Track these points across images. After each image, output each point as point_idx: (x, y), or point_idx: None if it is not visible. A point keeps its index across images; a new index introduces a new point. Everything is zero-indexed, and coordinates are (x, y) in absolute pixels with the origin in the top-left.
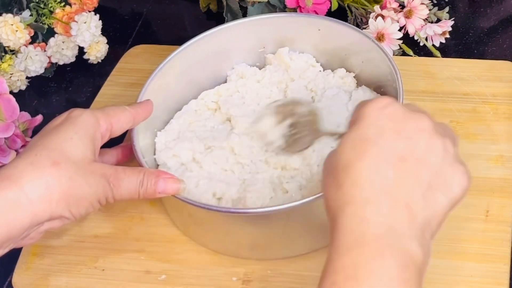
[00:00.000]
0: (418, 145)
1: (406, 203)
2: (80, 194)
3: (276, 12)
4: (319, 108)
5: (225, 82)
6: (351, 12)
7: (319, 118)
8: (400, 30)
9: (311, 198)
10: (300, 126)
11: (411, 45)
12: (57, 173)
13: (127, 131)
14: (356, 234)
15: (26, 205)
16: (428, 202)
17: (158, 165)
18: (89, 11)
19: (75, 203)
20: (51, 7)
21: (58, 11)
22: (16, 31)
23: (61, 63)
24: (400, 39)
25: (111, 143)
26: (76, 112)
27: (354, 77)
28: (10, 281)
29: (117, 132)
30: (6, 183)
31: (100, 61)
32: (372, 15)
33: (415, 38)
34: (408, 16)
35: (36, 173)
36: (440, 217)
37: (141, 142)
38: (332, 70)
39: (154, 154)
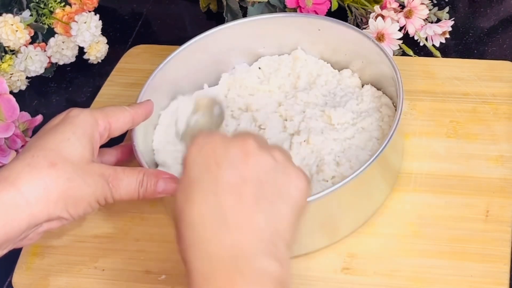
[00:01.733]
0: (245, 167)
1: (247, 225)
2: (78, 194)
3: (276, 12)
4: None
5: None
6: (351, 12)
7: (220, 126)
8: (400, 30)
9: (310, 198)
10: (200, 125)
11: (411, 45)
12: (55, 174)
13: (127, 131)
14: (204, 272)
15: (24, 206)
16: (270, 216)
17: (157, 165)
18: (89, 11)
19: (73, 204)
20: (51, 7)
21: (58, 11)
22: (16, 31)
23: (61, 63)
24: (400, 39)
25: (111, 143)
26: (74, 112)
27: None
28: (10, 281)
29: (116, 132)
30: (4, 184)
31: (100, 61)
32: (372, 15)
33: (415, 38)
34: (408, 16)
35: (33, 174)
36: (288, 224)
37: (141, 142)
38: (339, 70)
39: (154, 153)
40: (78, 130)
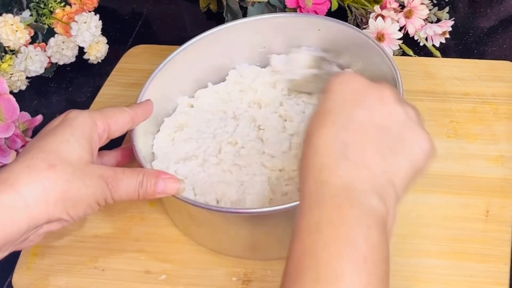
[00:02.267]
0: (379, 113)
1: (365, 164)
2: (78, 196)
3: (276, 12)
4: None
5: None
6: (351, 12)
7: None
8: (400, 30)
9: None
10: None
11: (411, 45)
12: (54, 176)
13: (127, 132)
14: (316, 196)
15: (23, 208)
16: (389, 164)
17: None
18: (89, 11)
19: (73, 205)
20: (51, 7)
21: (58, 11)
22: (16, 31)
23: (61, 63)
24: (400, 39)
25: (111, 145)
26: (73, 113)
27: None
28: (10, 281)
29: (116, 133)
30: (3, 187)
31: (100, 61)
32: (372, 15)
33: (415, 38)
34: (408, 16)
35: (32, 176)
36: (403, 178)
37: (141, 143)
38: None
39: (153, 154)
40: (76, 132)
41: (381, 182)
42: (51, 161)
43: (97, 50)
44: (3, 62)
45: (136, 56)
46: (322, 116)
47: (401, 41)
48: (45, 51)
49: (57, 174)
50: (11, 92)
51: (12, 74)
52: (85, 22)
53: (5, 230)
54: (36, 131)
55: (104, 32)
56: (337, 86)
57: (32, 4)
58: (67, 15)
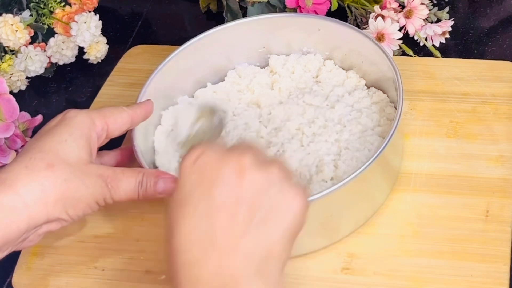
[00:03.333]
0: (239, 187)
1: (236, 247)
2: (77, 195)
3: (276, 12)
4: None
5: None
6: (351, 12)
7: (219, 135)
8: (400, 30)
9: (311, 198)
10: (201, 134)
11: (411, 45)
12: (52, 176)
13: (126, 132)
14: None
15: (22, 208)
16: (262, 236)
17: (157, 167)
18: (89, 11)
19: (72, 205)
20: (51, 7)
21: (58, 11)
22: (16, 31)
23: (61, 63)
24: (400, 39)
25: (111, 145)
26: (71, 113)
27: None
28: (10, 281)
29: (115, 133)
30: (2, 187)
31: (100, 61)
32: (372, 15)
33: (415, 38)
34: (408, 16)
35: (31, 177)
36: (282, 243)
37: (141, 143)
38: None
39: (154, 154)
40: (75, 132)
41: (257, 262)
42: (50, 161)
43: (97, 50)
44: (3, 62)
45: (136, 56)
46: (180, 205)
47: (401, 41)
48: (45, 51)
49: (56, 174)
50: (11, 92)
51: (12, 74)
52: (85, 22)
53: (5, 230)
54: (36, 131)
55: (104, 32)
56: (189, 166)
57: (32, 4)
58: (67, 15)
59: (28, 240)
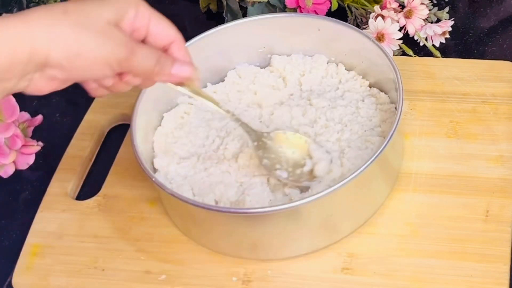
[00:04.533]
0: None
1: None
2: (85, 46)
3: (276, 12)
4: None
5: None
6: (351, 12)
7: None
8: (400, 30)
9: (310, 198)
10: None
11: (411, 45)
12: (64, 20)
13: (126, 134)
14: None
15: (27, 39)
16: None
17: (156, 170)
18: None
19: (77, 54)
20: None
21: None
22: None
23: None
24: (400, 39)
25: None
26: None
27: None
28: (10, 281)
29: (153, 37)
30: (14, 18)
31: None
32: (372, 15)
33: (415, 38)
34: (408, 16)
35: (44, 16)
36: None
37: (141, 144)
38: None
39: (153, 151)
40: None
41: None
42: (69, 9)
43: None
44: None
45: None
46: None
47: (401, 41)
48: None
49: (69, 18)
50: None
51: None
52: None
53: (9, 53)
54: (36, 131)
55: None
56: None
57: (32, 4)
58: None
59: (33, 82)
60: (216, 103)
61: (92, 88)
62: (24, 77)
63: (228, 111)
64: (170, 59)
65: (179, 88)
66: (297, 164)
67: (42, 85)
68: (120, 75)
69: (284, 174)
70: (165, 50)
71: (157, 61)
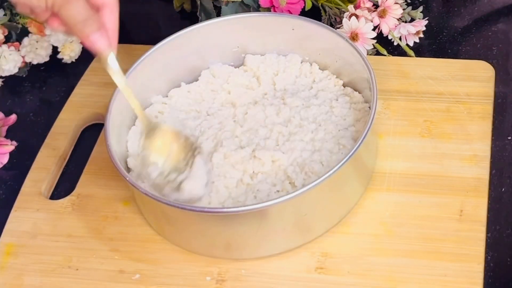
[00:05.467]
0: None
1: None
2: None
3: (250, 11)
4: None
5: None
6: (325, 11)
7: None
8: (374, 29)
9: (284, 198)
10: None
11: (385, 44)
12: None
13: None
14: None
15: None
16: None
17: (129, 170)
18: None
19: None
20: None
21: None
22: None
23: (35, 62)
24: (374, 38)
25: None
26: None
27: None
28: None
29: None
30: None
31: (74, 60)
32: (346, 14)
33: (389, 37)
34: (382, 15)
35: None
36: None
37: (115, 144)
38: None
39: (127, 150)
40: None
41: None
42: None
43: (70, 49)
44: None
45: None
46: None
47: (375, 41)
48: (19, 50)
49: None
50: None
51: None
52: None
53: None
54: (10, 130)
55: None
56: None
57: (6, 3)
58: None
59: None
60: (121, 80)
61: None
62: None
63: (128, 90)
64: (97, 24)
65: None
66: (176, 169)
67: None
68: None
69: (154, 173)
70: (97, 9)
71: (84, 19)
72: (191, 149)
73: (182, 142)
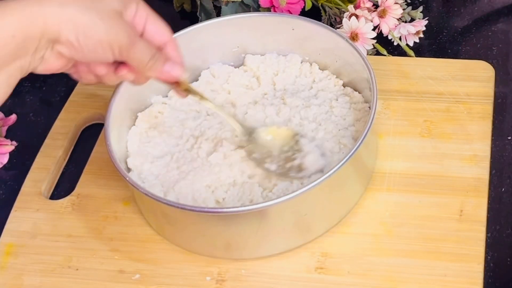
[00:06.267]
0: None
1: None
2: (92, 28)
3: (250, 11)
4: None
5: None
6: (325, 11)
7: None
8: (374, 29)
9: (284, 198)
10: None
11: (385, 44)
12: (76, 2)
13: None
14: None
15: (41, 17)
16: None
17: (129, 170)
18: None
19: (84, 33)
20: None
21: None
22: None
23: None
24: (374, 38)
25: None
26: None
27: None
28: None
29: (148, 34)
30: None
31: None
32: (346, 14)
33: (389, 37)
34: (382, 15)
35: None
36: None
37: (115, 144)
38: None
39: (127, 150)
40: None
41: None
42: None
43: None
44: None
45: None
46: None
47: (375, 41)
48: None
49: (79, 1)
50: None
51: None
52: None
53: (23, 27)
54: (10, 130)
55: None
56: None
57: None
58: None
59: (44, 60)
60: (208, 100)
61: (83, 71)
62: (37, 53)
63: (220, 107)
64: (163, 57)
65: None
66: (288, 159)
67: (51, 62)
68: (115, 67)
69: (272, 167)
70: (159, 49)
71: (152, 55)
72: (292, 136)
73: (281, 133)
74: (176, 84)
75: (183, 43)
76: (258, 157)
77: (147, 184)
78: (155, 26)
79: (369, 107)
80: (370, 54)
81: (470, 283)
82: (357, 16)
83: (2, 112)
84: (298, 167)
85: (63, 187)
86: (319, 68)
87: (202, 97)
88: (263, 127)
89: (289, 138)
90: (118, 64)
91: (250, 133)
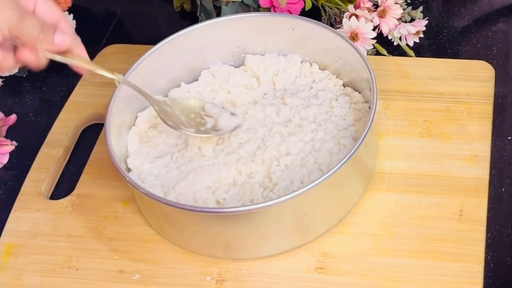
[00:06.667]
0: None
1: None
2: None
3: (250, 11)
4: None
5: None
6: (325, 11)
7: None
8: (374, 29)
9: (284, 198)
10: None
11: (385, 44)
12: None
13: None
14: None
15: None
16: None
17: (129, 170)
18: (63, 11)
19: None
20: None
21: None
22: None
23: None
24: (374, 38)
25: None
26: None
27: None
28: None
29: (41, 12)
30: None
31: None
32: (346, 14)
33: (389, 37)
34: (382, 15)
35: None
36: None
37: (115, 144)
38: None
39: (127, 150)
40: None
41: None
42: None
43: None
44: None
45: (110, 55)
46: None
47: (375, 41)
48: None
49: None
50: None
51: None
52: None
53: None
54: (10, 130)
55: (77, 31)
56: None
57: None
58: None
59: None
60: (103, 70)
61: None
62: None
63: (121, 77)
64: (52, 28)
65: (67, 59)
66: (198, 124)
67: None
68: (14, 51)
69: (191, 130)
70: (53, 27)
71: (41, 28)
72: (201, 107)
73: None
74: (69, 54)
75: (183, 43)
76: (173, 124)
77: (147, 184)
78: (46, 5)
79: (369, 107)
80: (370, 54)
81: (470, 283)
82: (357, 16)
83: (2, 112)
84: (213, 129)
85: (63, 187)
86: (319, 68)
87: (97, 67)
88: (169, 99)
89: (196, 106)
90: (16, 48)
91: (158, 104)
